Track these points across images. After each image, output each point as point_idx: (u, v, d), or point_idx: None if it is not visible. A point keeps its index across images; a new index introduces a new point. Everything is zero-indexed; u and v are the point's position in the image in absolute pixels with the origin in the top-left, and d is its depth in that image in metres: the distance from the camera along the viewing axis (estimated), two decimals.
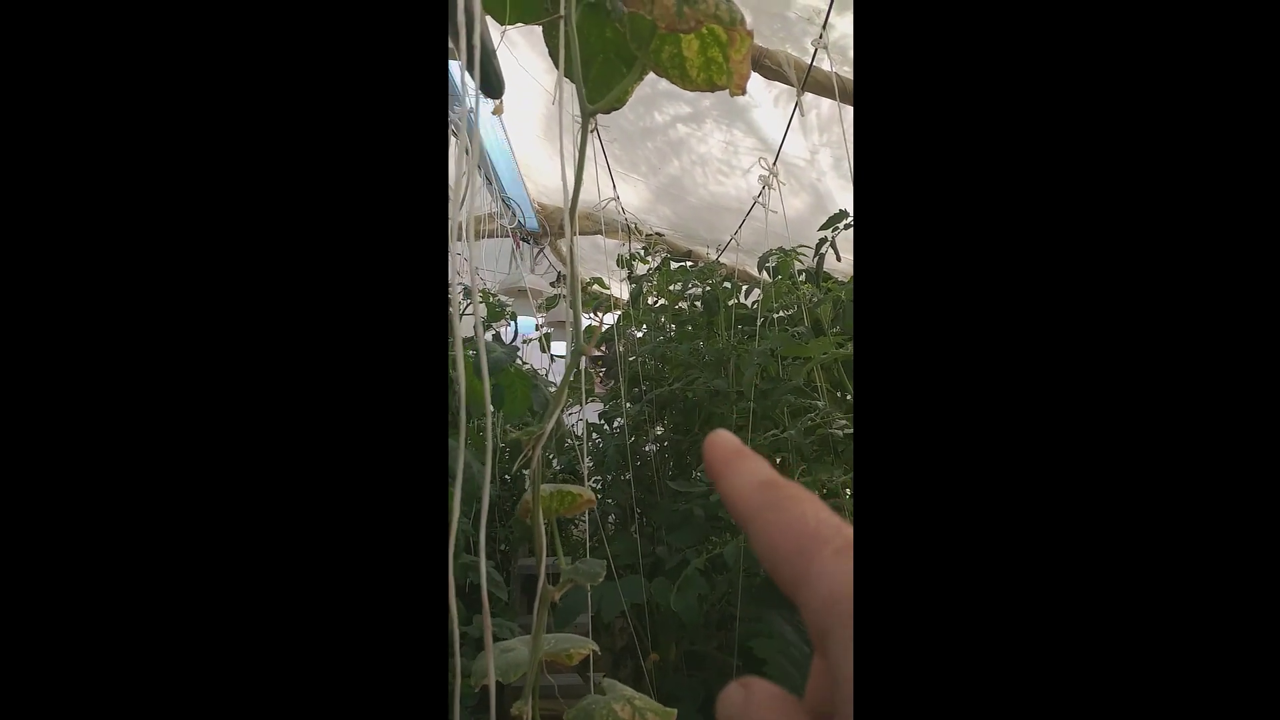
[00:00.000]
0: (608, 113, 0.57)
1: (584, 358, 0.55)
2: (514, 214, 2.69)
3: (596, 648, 0.47)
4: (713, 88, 0.61)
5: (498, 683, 0.44)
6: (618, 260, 2.57)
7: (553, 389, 2.37)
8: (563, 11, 0.57)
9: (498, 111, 0.53)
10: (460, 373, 0.47)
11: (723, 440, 0.23)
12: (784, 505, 0.20)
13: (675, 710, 0.45)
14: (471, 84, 0.49)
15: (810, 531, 0.19)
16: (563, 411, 0.51)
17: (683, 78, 0.60)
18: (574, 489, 0.50)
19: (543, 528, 0.44)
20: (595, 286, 2.30)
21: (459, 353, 0.48)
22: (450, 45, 0.54)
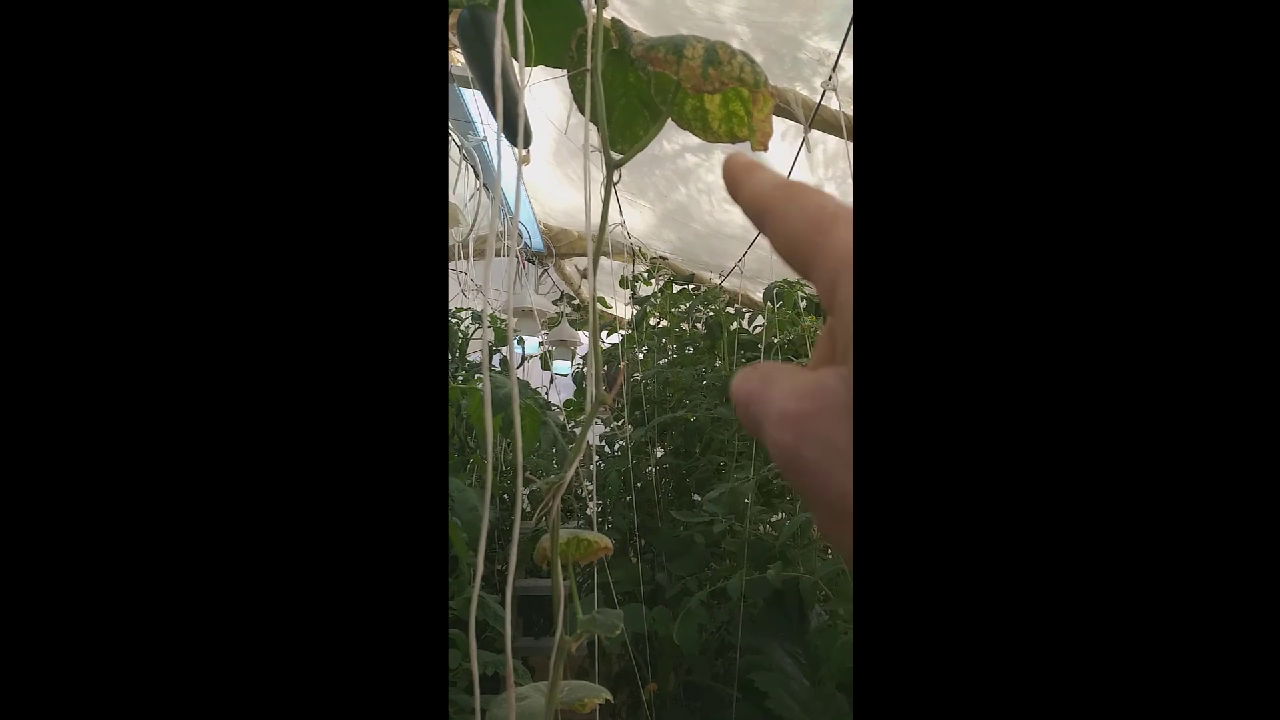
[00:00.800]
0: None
1: (580, 371, 0.56)
2: (519, 234, 2.71)
3: (610, 696, 0.48)
4: (734, 140, 0.62)
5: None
6: (620, 281, 2.58)
7: (554, 409, 2.37)
8: (589, 65, 0.58)
9: (524, 161, 0.54)
10: (487, 412, 0.48)
11: (741, 157, 0.24)
12: (801, 197, 0.21)
13: None
14: (505, 139, 0.50)
15: (829, 213, 0.20)
16: (576, 459, 0.52)
17: (704, 129, 0.61)
18: (590, 536, 0.51)
19: (560, 577, 0.45)
20: (598, 305, 2.31)
21: (486, 388, 0.49)
22: (479, 92, 0.55)
